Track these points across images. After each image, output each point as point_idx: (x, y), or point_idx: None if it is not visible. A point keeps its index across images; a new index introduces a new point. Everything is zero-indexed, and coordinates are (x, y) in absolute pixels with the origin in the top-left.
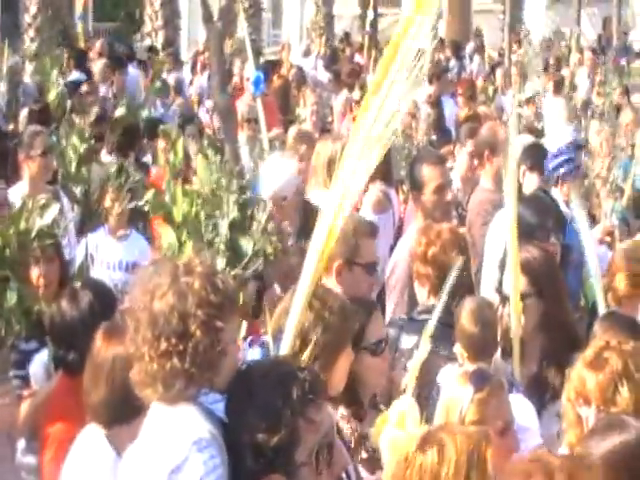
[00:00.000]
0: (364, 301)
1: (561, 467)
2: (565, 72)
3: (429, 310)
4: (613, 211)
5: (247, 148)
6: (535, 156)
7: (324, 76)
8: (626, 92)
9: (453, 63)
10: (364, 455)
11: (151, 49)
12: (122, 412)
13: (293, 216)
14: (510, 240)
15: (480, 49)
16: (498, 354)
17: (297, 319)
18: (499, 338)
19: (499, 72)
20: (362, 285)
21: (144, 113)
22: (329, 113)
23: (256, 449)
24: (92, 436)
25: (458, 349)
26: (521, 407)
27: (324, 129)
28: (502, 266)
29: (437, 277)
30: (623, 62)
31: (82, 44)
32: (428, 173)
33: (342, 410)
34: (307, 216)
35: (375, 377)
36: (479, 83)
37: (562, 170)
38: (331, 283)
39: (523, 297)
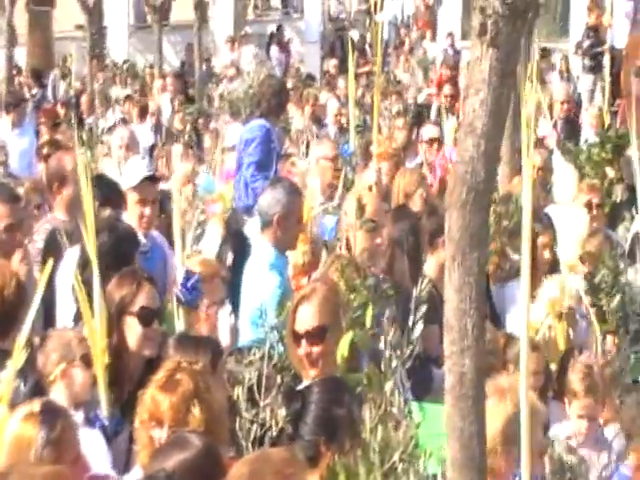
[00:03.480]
0: None
1: None
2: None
3: None
4: None
5: None
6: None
7: None
8: (207, 117)
9: (36, 91)
10: None
11: None
12: None
13: None
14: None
15: (64, 76)
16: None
17: None
18: None
19: (84, 99)
20: None
21: None
22: None
23: None
24: None
25: None
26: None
27: None
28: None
29: None
30: (209, 87)
31: None
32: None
33: None
34: None
35: None
36: (61, 111)
37: None
38: None
39: None
